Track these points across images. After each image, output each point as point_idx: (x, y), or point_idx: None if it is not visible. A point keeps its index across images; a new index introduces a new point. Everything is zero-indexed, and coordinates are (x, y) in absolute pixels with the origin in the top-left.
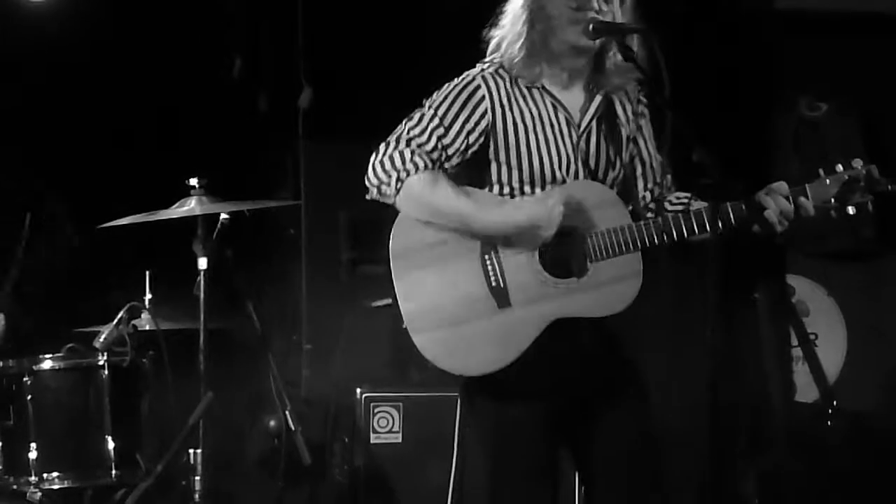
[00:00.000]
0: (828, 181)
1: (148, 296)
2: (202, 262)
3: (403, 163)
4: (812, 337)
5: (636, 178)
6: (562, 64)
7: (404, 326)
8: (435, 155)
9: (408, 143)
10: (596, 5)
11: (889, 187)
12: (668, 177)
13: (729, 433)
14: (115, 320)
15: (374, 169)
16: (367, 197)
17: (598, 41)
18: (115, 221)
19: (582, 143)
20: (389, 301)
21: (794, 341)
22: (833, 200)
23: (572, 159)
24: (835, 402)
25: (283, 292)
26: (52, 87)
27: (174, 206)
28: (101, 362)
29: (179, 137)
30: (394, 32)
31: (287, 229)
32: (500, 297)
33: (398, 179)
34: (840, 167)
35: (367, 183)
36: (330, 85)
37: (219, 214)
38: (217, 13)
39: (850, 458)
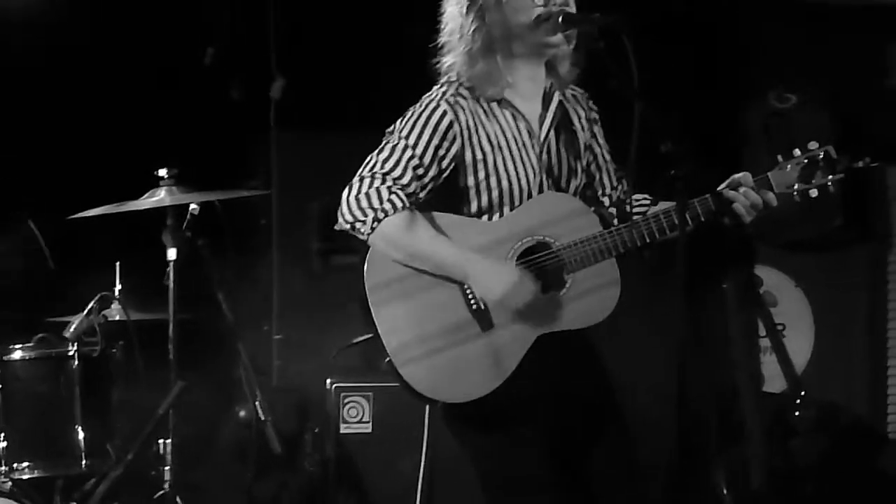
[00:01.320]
0: (788, 166)
1: (118, 286)
2: (171, 253)
3: (381, 202)
4: (780, 327)
5: (595, 184)
6: (521, 66)
7: (388, 360)
8: (412, 188)
9: (384, 179)
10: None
11: (848, 165)
12: (623, 181)
13: (697, 422)
14: (86, 310)
15: (349, 206)
16: (337, 228)
17: (561, 37)
18: (85, 212)
19: (543, 154)
20: (370, 335)
21: (762, 332)
22: (795, 184)
23: (537, 171)
24: (803, 392)
25: (254, 282)
26: (20, 76)
27: (144, 197)
28: (71, 352)
29: (150, 127)
30: (366, 24)
31: (258, 219)
32: (483, 319)
33: (374, 219)
34: (797, 151)
35: (340, 218)
36: (302, 75)
37: (188, 204)
38: (190, 3)
39: (818, 448)
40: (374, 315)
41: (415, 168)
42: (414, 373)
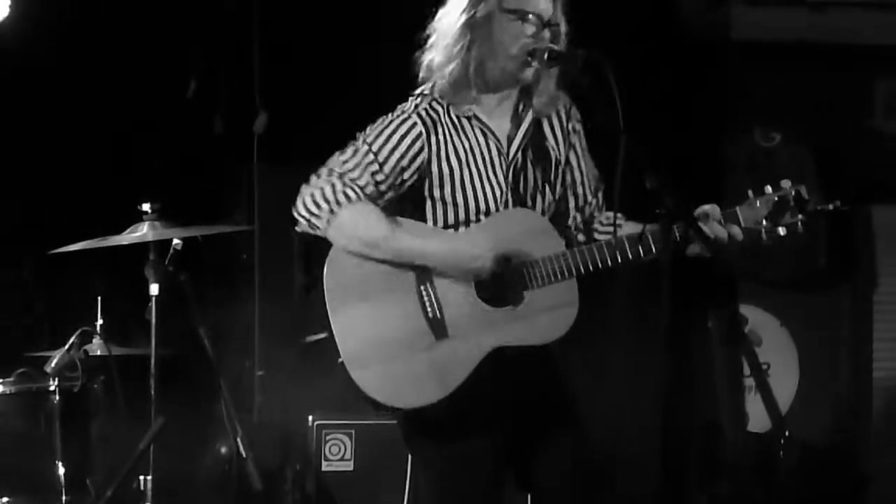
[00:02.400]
0: (758, 203)
1: (99, 321)
2: (154, 288)
3: (335, 194)
4: (764, 366)
5: (567, 198)
6: (494, 90)
7: (340, 361)
8: (368, 190)
9: (340, 177)
10: (547, 35)
11: (818, 207)
12: (600, 195)
13: (681, 459)
14: (67, 345)
15: (303, 201)
16: (297, 229)
17: (531, 73)
18: (67, 247)
19: (511, 173)
20: (324, 335)
21: (747, 371)
22: (764, 221)
23: (504, 189)
24: (787, 432)
25: (236, 317)
26: (2, 109)
27: (126, 232)
28: (51, 387)
29: (132, 161)
30: (349, 58)
31: (240, 253)
32: (438, 328)
33: (330, 211)
34: (769, 188)
35: (296, 215)
36: (285, 109)
37: (171, 239)
38: (172, 36)
39: (802, 487)
40: (329, 316)
41: (374, 174)
42: (364, 376)
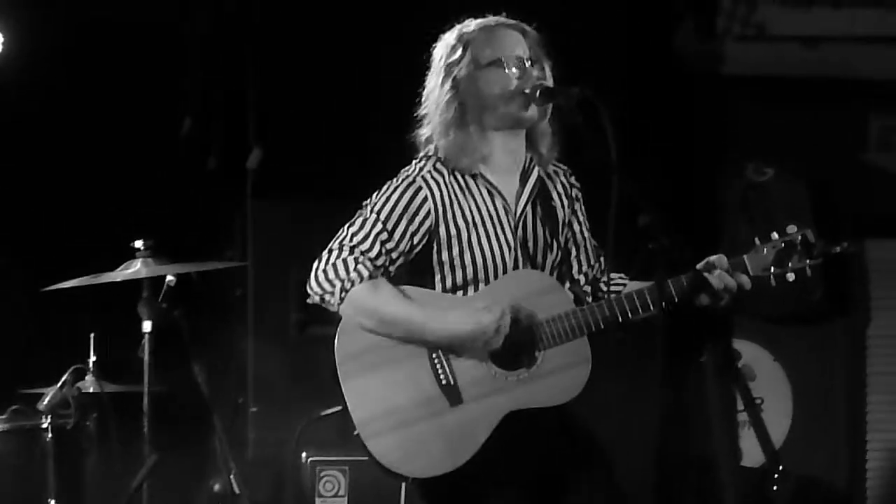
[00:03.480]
0: (764, 250)
1: (92, 358)
2: (147, 325)
3: (347, 272)
4: (758, 401)
5: (571, 260)
6: (496, 142)
7: (356, 433)
8: (380, 261)
9: (351, 251)
10: (533, 73)
11: (825, 249)
12: (602, 259)
13: (675, 494)
14: (60, 383)
15: (317, 277)
16: (308, 301)
17: (536, 111)
18: (61, 284)
19: (519, 230)
20: (339, 408)
21: (741, 405)
22: (772, 268)
23: (512, 247)
24: (781, 467)
25: (230, 353)
26: None
27: (120, 268)
28: (44, 425)
29: (126, 198)
30: (344, 95)
31: (234, 290)
32: (452, 395)
33: (342, 289)
34: (775, 235)
35: (309, 290)
36: (279, 145)
37: (164, 276)
38: (165, 73)
39: None
40: (342, 387)
41: (383, 242)
42: (381, 446)
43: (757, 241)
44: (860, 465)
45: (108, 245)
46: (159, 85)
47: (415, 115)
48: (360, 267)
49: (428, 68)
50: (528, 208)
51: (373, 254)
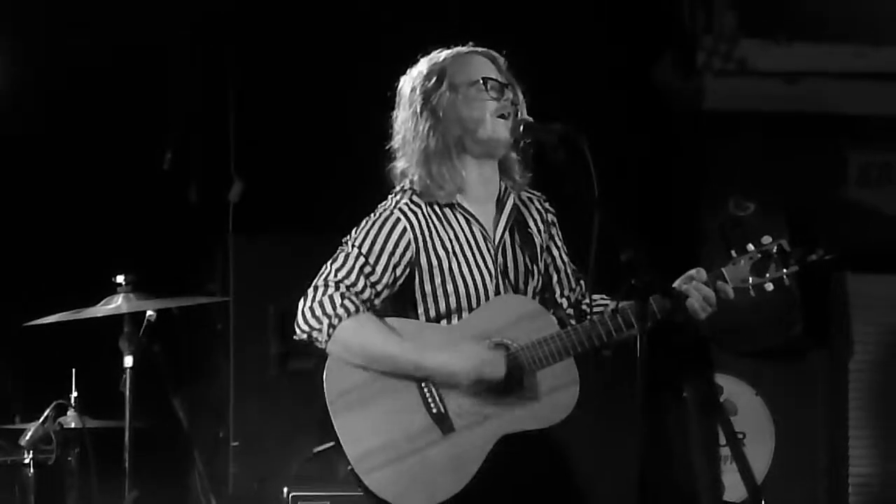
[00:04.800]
0: (741, 261)
1: (74, 393)
2: (128, 360)
3: (334, 308)
4: (740, 436)
5: (553, 285)
6: (472, 170)
7: (350, 468)
8: (365, 295)
9: (336, 287)
10: (510, 95)
11: (802, 258)
12: (582, 282)
13: None
14: (41, 418)
15: (304, 316)
16: (295, 338)
17: (511, 132)
18: (42, 319)
19: (499, 257)
20: (332, 444)
21: (723, 440)
22: (750, 279)
23: (493, 274)
24: (762, 502)
25: (211, 388)
26: None
27: (101, 304)
28: (26, 460)
29: (107, 233)
30: (325, 129)
31: (215, 324)
32: (443, 423)
33: (330, 325)
34: (751, 246)
35: (296, 329)
36: (260, 179)
37: (146, 311)
38: (147, 107)
39: None
40: (334, 423)
41: (367, 275)
42: (378, 480)
43: (734, 253)
44: (842, 500)
45: (90, 280)
46: (140, 118)
47: (390, 146)
48: (346, 302)
49: (394, 103)
50: (507, 235)
51: (358, 288)
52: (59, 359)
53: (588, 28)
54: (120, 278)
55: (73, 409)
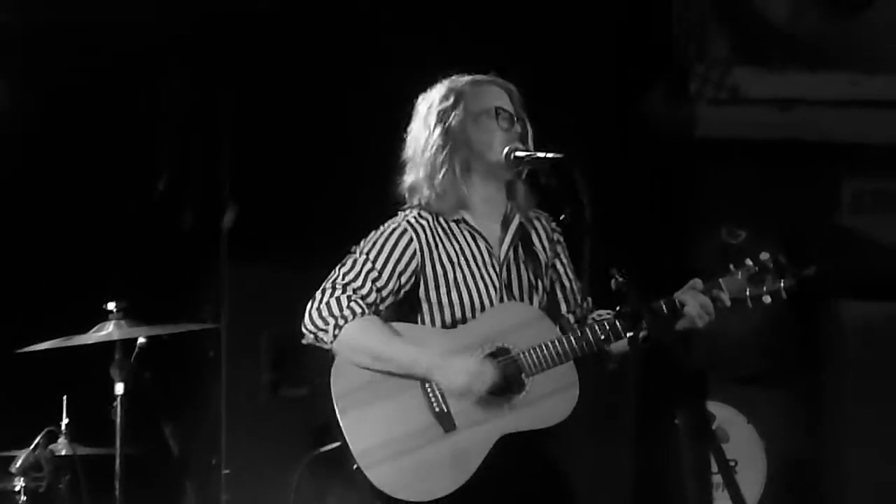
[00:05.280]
0: (739, 274)
1: (65, 420)
2: (119, 387)
3: (340, 310)
4: (732, 463)
5: (558, 301)
6: (479, 189)
7: (356, 466)
8: (371, 299)
9: (343, 290)
10: (519, 129)
11: (798, 272)
12: (589, 299)
13: None
14: (33, 445)
15: (310, 316)
16: (304, 342)
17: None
18: (34, 346)
19: (504, 273)
20: (337, 444)
21: (715, 468)
22: (748, 291)
23: (497, 287)
24: None
25: (202, 415)
26: None
27: (92, 331)
28: (17, 487)
29: (99, 259)
30: (318, 154)
31: (207, 351)
32: (446, 421)
33: (336, 326)
34: (749, 261)
35: (304, 329)
36: (254, 205)
37: (137, 338)
38: (140, 133)
39: None
40: (340, 421)
41: (374, 281)
42: (380, 475)
43: (732, 266)
44: None
45: (81, 307)
46: (134, 145)
47: (398, 163)
48: (352, 304)
49: (406, 122)
50: (511, 252)
51: (364, 291)
52: (51, 386)
53: (581, 56)
54: (111, 305)
55: (64, 436)
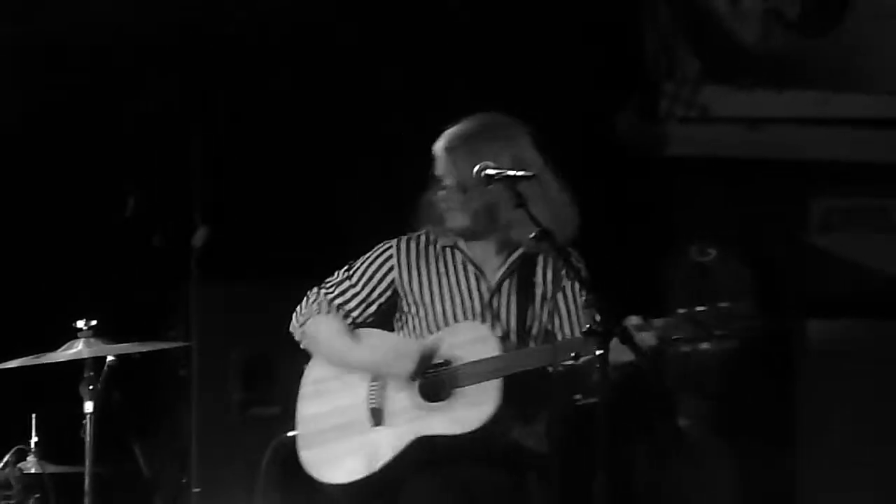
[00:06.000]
0: (682, 318)
1: (34, 438)
2: (88, 406)
3: (308, 307)
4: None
5: (555, 332)
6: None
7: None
8: (348, 307)
9: (317, 291)
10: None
11: (744, 325)
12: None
13: None
14: (2, 463)
15: (294, 317)
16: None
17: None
18: (2, 364)
19: (494, 300)
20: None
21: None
22: (686, 336)
23: (475, 315)
24: None
25: (173, 434)
26: None
27: (62, 349)
28: None
29: (69, 277)
30: (291, 174)
31: (178, 370)
32: (376, 416)
33: (304, 321)
34: (689, 307)
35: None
36: (225, 224)
37: (107, 356)
38: (110, 150)
39: None
40: (298, 406)
41: (344, 290)
42: (307, 456)
43: (679, 310)
44: None
45: (51, 325)
46: (104, 163)
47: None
48: (315, 305)
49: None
50: (506, 281)
51: (340, 300)
52: (20, 403)
53: (551, 75)
54: (81, 323)
55: (33, 455)
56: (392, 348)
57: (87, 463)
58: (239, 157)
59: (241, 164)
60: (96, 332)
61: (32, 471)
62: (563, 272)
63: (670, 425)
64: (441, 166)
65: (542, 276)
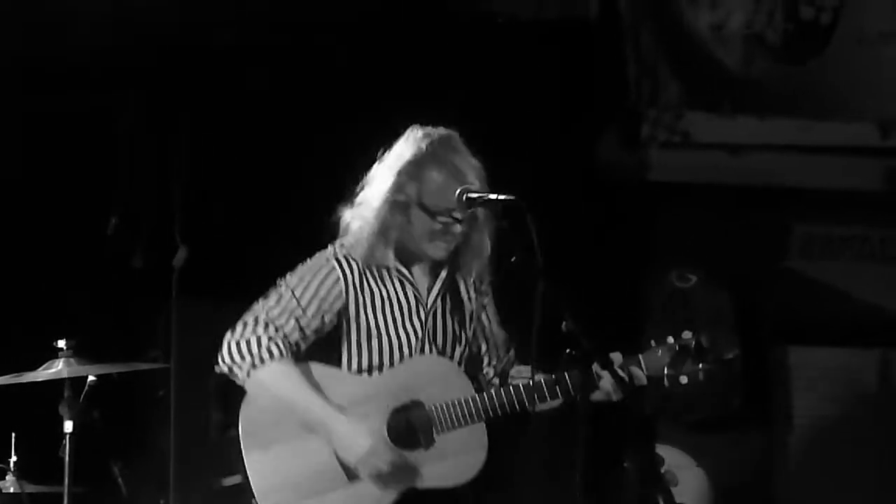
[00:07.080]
0: (659, 351)
1: (13, 458)
2: (68, 425)
3: (259, 348)
4: None
5: (481, 354)
6: (406, 264)
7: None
8: (293, 337)
9: (266, 327)
10: (458, 229)
11: (717, 357)
12: (512, 352)
13: None
14: None
15: (229, 349)
16: (216, 370)
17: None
18: None
19: (429, 321)
20: (239, 479)
21: None
22: (665, 369)
23: (420, 335)
24: None
25: (151, 454)
26: None
27: (41, 368)
28: None
29: (49, 297)
30: (271, 195)
31: (156, 390)
32: (349, 469)
33: (252, 365)
34: (671, 339)
35: (219, 360)
36: (205, 245)
37: (86, 376)
38: (91, 171)
39: None
40: (244, 458)
41: (298, 318)
42: None
43: (653, 342)
44: None
45: (31, 344)
46: (85, 183)
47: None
48: (271, 345)
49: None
50: (439, 301)
51: (287, 329)
52: None
53: (533, 101)
54: (61, 343)
55: (12, 474)
56: (371, 444)
57: (66, 482)
58: (219, 177)
59: (221, 184)
60: (76, 352)
61: (11, 490)
62: (482, 288)
63: (647, 448)
64: (395, 186)
65: (466, 292)
